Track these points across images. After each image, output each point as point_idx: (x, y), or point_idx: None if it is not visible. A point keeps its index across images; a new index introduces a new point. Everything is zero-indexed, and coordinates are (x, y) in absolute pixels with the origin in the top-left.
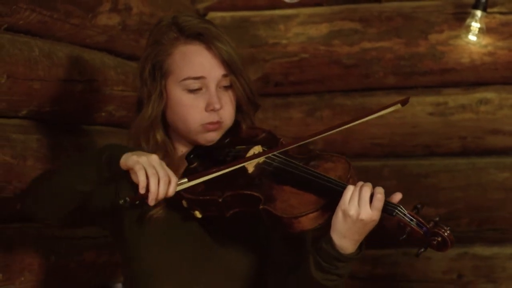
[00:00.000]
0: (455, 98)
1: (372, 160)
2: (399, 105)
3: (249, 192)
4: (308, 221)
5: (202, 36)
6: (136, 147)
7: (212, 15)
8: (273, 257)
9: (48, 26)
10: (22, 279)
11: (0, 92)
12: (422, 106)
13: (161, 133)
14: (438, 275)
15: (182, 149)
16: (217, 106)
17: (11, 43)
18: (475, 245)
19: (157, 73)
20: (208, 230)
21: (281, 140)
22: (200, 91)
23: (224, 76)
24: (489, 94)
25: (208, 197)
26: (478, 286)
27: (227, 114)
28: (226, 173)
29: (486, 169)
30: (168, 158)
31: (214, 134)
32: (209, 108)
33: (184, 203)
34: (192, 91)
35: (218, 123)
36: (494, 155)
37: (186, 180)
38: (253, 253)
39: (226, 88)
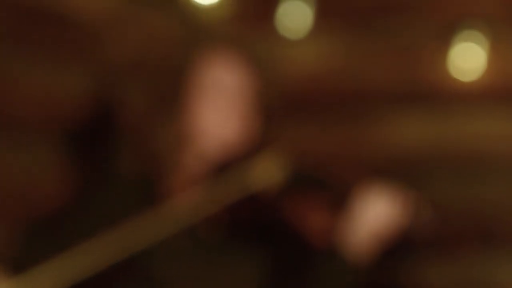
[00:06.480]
0: (447, 117)
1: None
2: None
3: (267, 207)
4: (324, 233)
5: None
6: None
7: None
8: (290, 276)
9: None
10: None
11: (21, 103)
12: (415, 128)
13: None
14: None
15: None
16: None
17: None
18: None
19: None
20: (222, 249)
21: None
22: None
23: None
24: (479, 112)
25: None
26: None
27: None
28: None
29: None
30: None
31: None
32: None
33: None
34: None
35: None
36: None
37: None
38: (269, 272)
39: None
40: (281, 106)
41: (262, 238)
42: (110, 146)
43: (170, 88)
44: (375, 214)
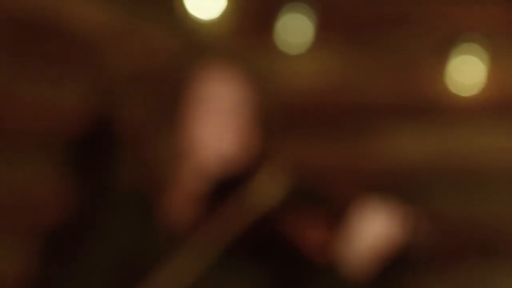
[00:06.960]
0: (446, 131)
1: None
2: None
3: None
4: (323, 248)
5: None
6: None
7: None
8: None
9: None
10: None
11: (20, 116)
12: (414, 142)
13: None
14: None
15: None
16: None
17: None
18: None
19: None
20: (221, 265)
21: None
22: None
23: None
24: (479, 126)
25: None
26: None
27: None
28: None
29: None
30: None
31: None
32: None
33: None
34: None
35: None
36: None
37: None
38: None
39: None
40: (280, 120)
41: (261, 253)
42: (109, 158)
43: (169, 101)
44: (373, 229)
